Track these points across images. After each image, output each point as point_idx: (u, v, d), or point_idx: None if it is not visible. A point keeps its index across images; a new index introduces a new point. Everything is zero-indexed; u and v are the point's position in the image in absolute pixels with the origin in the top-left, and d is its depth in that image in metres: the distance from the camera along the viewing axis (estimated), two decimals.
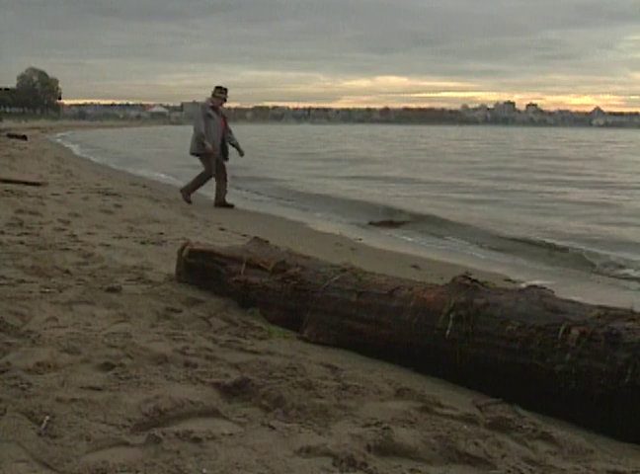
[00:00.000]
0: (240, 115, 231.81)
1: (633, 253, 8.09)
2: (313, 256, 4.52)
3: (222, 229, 7.94)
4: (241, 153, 11.11)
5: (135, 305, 3.90)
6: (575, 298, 3.31)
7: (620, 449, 2.48)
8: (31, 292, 3.97)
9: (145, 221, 7.74)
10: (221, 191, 10.76)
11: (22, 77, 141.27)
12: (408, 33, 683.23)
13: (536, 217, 11.41)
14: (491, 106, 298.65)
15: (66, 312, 3.66)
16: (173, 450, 2.08)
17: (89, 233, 6.48)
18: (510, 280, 6.25)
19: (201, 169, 10.83)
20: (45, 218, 7.24)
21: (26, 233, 6.12)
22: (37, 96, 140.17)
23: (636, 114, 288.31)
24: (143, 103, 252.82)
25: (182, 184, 11.94)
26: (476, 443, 2.27)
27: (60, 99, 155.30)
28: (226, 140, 10.78)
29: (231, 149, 10.96)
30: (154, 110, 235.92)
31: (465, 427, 2.42)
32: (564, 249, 8.25)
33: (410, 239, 9.38)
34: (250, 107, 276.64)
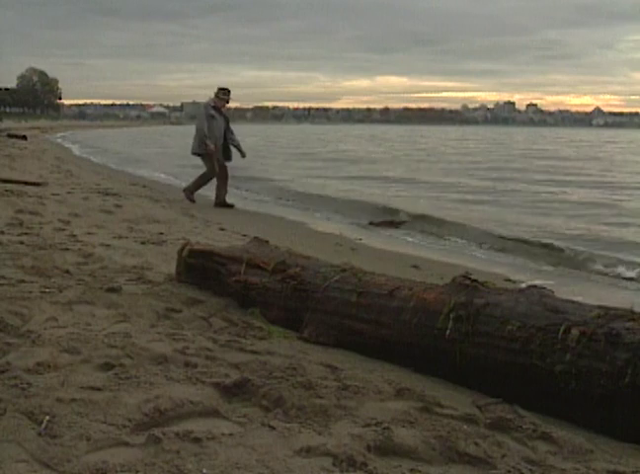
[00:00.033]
0: (240, 115, 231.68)
1: (633, 253, 8.09)
2: (313, 256, 4.52)
3: (222, 229, 7.94)
4: (242, 154, 11.10)
5: (135, 305, 3.90)
6: (575, 298, 3.31)
7: (620, 449, 2.48)
8: (31, 292, 3.97)
9: (145, 221, 7.74)
10: (222, 191, 10.77)
11: (22, 77, 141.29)
12: (408, 33, 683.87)
13: (536, 217, 11.41)
14: (491, 106, 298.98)
15: (66, 312, 3.66)
16: (173, 450, 2.08)
17: (89, 233, 6.48)
18: (510, 280, 6.25)
19: (204, 169, 10.85)
20: (45, 218, 7.24)
21: (26, 233, 6.12)
22: (37, 96, 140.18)
23: (636, 114, 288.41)
24: (143, 103, 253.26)
25: (181, 183, 11.98)
26: (476, 443, 2.27)
27: (60, 99, 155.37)
28: (228, 141, 10.78)
29: (233, 150, 10.97)
30: (154, 110, 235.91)
31: (465, 427, 2.42)
32: (564, 249, 8.25)
33: (410, 239, 9.38)
34: (250, 107, 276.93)
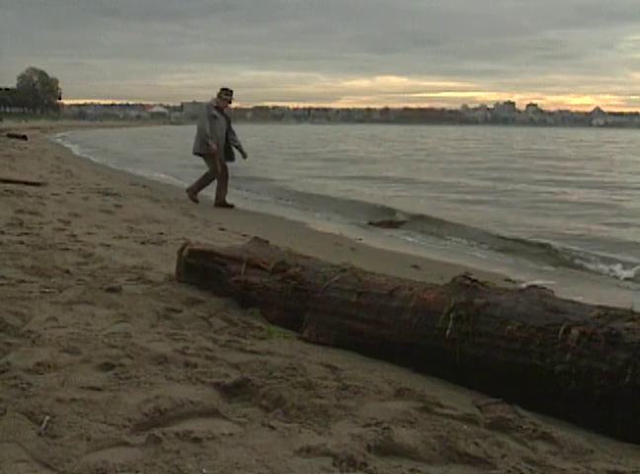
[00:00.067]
0: (240, 115, 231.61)
1: (633, 253, 8.10)
2: (313, 256, 4.52)
3: (222, 229, 7.94)
4: (244, 155, 11.09)
5: (135, 305, 3.90)
6: (575, 298, 3.31)
7: (620, 449, 2.48)
8: (31, 292, 3.97)
9: (145, 221, 7.74)
10: (222, 191, 10.77)
11: (22, 77, 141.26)
12: (408, 33, 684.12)
13: (536, 217, 11.42)
14: (491, 106, 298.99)
15: (66, 312, 3.66)
16: (173, 450, 2.08)
17: (89, 233, 6.48)
18: (510, 280, 6.25)
19: (205, 169, 10.87)
20: (45, 218, 7.24)
21: (26, 233, 6.12)
22: (37, 96, 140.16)
23: (636, 114, 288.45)
24: (143, 103, 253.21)
25: (182, 184, 11.97)
26: (476, 443, 2.27)
27: (60, 99, 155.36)
28: (230, 142, 10.78)
29: (234, 150, 10.98)
30: (154, 110, 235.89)
31: (465, 427, 2.42)
32: (564, 249, 8.26)
33: (410, 239, 9.39)
34: (250, 107, 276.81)
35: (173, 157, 26.15)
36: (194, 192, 10.86)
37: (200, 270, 4.47)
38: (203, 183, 10.89)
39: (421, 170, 22.52)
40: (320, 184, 16.54)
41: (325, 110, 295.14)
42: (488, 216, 11.39)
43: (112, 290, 4.14)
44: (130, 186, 12.93)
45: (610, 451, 2.43)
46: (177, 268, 4.64)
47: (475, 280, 3.26)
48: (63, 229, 6.61)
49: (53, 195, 9.59)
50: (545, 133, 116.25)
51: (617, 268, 7.33)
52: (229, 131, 10.77)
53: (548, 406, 2.80)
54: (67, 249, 5.47)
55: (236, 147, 10.92)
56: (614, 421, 2.62)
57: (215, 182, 10.77)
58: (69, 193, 10.15)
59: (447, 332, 3.12)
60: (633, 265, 7.38)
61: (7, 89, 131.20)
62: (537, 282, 5.20)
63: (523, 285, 4.19)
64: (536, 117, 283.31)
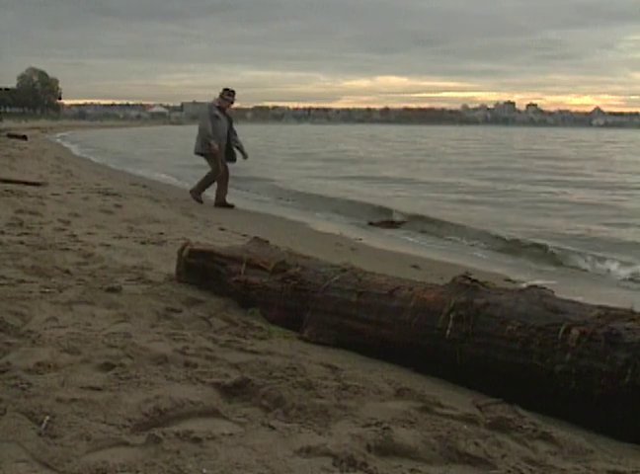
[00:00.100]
0: (240, 115, 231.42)
1: (633, 253, 8.10)
2: (313, 256, 4.52)
3: (222, 229, 7.94)
4: (245, 156, 11.08)
5: (135, 305, 3.90)
6: (575, 298, 3.31)
7: (620, 449, 2.48)
8: (31, 292, 3.97)
9: (145, 221, 7.74)
10: (222, 191, 10.78)
11: (22, 77, 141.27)
12: (408, 33, 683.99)
13: (536, 218, 11.42)
14: (491, 106, 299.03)
15: (66, 312, 3.66)
16: (173, 450, 2.08)
17: (89, 233, 6.48)
18: (510, 280, 6.25)
19: (207, 169, 10.87)
20: (45, 218, 7.24)
21: (26, 233, 6.12)
22: (37, 96, 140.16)
23: (636, 114, 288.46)
24: (143, 103, 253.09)
25: (183, 184, 11.97)
26: (476, 443, 2.27)
27: (60, 99, 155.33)
28: (231, 142, 10.78)
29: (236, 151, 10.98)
30: (154, 110, 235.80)
31: (465, 427, 2.42)
32: (564, 249, 8.26)
33: (410, 239, 9.39)
34: (250, 107, 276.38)
35: (173, 157, 26.15)
36: (197, 192, 10.89)
37: (201, 270, 4.47)
38: (206, 183, 10.90)
39: (421, 170, 22.52)
40: (320, 184, 16.54)
41: (325, 110, 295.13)
42: (488, 216, 11.39)
43: (112, 290, 4.14)
44: (130, 186, 12.94)
45: (610, 451, 2.43)
46: (177, 268, 4.63)
47: (475, 280, 3.26)
48: (63, 229, 6.61)
49: (53, 195, 9.59)
50: (545, 133, 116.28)
51: (617, 268, 7.34)
52: (231, 132, 10.77)
53: (548, 406, 2.80)
54: (67, 249, 5.47)
55: (237, 148, 10.92)
56: (614, 421, 2.62)
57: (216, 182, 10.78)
58: (69, 193, 10.15)
59: (447, 332, 3.12)
60: (633, 265, 7.38)
61: (7, 89, 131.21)
62: (537, 282, 5.20)
63: (523, 285, 4.19)
64: (536, 117, 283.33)
